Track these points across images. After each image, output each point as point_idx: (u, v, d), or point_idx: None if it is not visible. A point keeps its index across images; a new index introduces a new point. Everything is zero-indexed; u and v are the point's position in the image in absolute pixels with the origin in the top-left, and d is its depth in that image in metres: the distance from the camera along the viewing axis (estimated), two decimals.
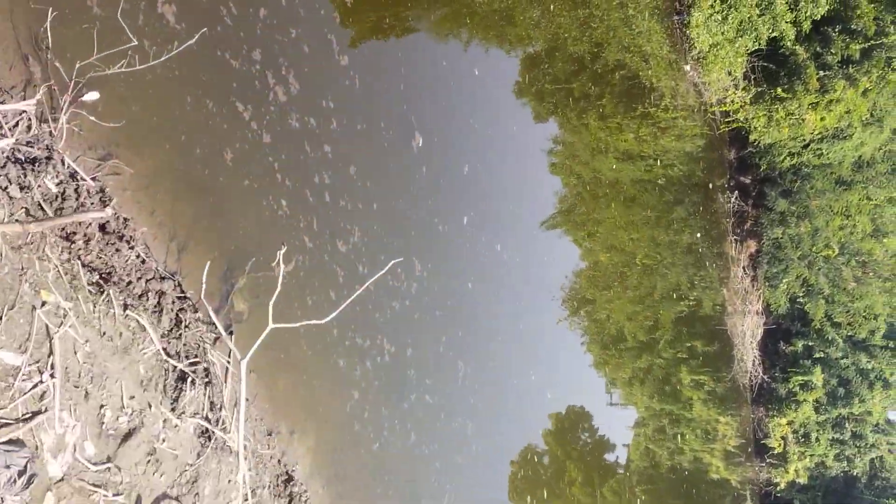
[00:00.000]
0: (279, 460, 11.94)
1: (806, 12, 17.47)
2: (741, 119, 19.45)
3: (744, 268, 20.71)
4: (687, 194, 21.30)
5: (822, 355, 20.95)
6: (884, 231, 21.15)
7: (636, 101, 18.97)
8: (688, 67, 18.81)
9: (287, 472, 12.01)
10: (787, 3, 17.27)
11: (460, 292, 15.90)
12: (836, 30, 17.97)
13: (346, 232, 12.90)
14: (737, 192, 22.21)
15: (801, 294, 21.14)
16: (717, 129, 20.51)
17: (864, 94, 18.69)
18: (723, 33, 17.25)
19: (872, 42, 18.22)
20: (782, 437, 21.26)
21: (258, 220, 11.34)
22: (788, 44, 17.91)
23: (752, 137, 20.52)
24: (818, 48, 18.14)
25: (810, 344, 21.08)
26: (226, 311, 10.86)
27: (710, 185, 21.60)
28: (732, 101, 18.99)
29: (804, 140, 20.08)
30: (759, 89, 18.77)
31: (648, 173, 20.35)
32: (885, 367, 20.96)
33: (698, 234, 21.28)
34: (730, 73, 18.37)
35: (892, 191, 20.88)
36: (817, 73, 17.86)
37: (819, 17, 17.79)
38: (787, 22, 17.43)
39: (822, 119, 18.75)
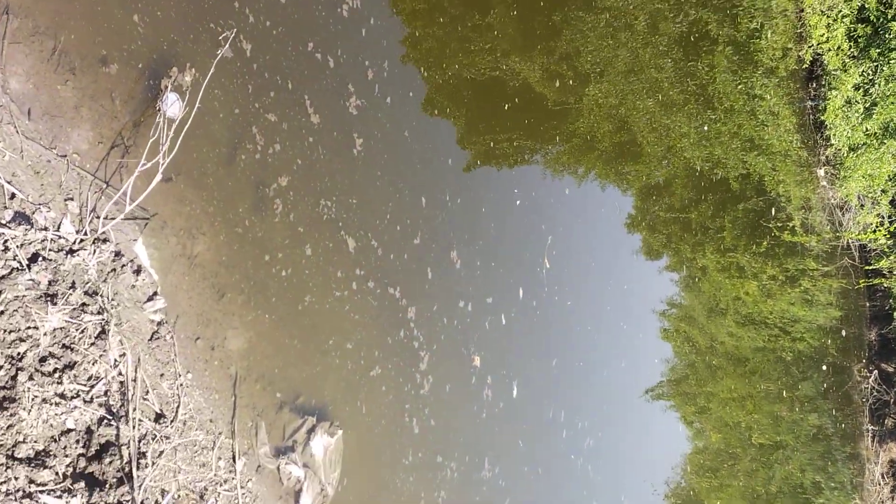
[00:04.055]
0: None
1: None
2: (885, 270, 16.31)
3: (882, 474, 17.52)
4: (817, 370, 18.57)
5: None
6: None
7: (761, 236, 16.45)
8: (822, 173, 15.72)
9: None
10: None
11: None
12: None
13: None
14: (875, 372, 19.23)
15: None
16: (855, 281, 17.60)
17: None
18: (864, 130, 14.07)
19: None
20: None
21: None
22: None
23: None
24: None
25: None
26: None
27: (845, 367, 18.76)
28: (875, 231, 15.63)
29: None
30: None
31: (773, 343, 17.90)
32: None
33: (828, 418, 18.31)
34: (872, 200, 14.99)
35: None
36: None
37: None
38: None
39: None
